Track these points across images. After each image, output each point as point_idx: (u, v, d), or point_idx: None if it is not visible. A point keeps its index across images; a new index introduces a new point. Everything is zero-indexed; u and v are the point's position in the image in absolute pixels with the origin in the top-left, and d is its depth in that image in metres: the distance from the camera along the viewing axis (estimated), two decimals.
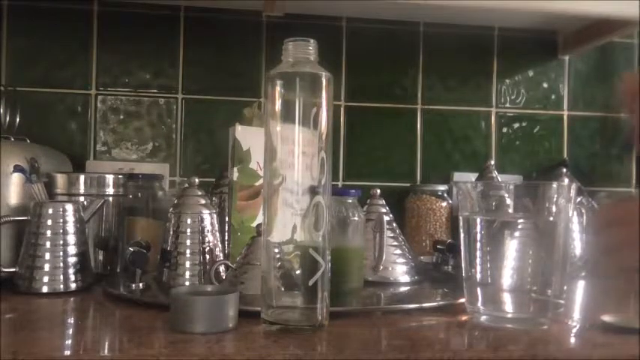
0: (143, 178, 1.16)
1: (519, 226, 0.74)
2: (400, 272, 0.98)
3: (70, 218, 0.90)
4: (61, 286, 0.87)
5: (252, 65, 1.34)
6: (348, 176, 1.38)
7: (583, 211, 1.11)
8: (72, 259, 0.88)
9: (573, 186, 0.75)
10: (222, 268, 0.89)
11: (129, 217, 1.09)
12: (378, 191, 1.04)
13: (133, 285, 0.87)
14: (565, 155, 1.46)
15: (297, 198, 0.67)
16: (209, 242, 0.90)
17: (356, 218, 0.91)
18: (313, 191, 0.67)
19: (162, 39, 1.32)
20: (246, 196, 0.98)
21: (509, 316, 0.73)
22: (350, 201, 0.92)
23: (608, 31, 1.31)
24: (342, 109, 1.38)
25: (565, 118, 1.46)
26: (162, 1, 1.29)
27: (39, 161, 0.99)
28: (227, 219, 1.01)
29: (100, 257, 1.03)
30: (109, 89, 1.30)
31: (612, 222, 0.59)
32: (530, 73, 1.46)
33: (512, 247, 0.74)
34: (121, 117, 1.31)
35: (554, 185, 0.77)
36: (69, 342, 0.66)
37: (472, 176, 1.28)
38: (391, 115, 1.40)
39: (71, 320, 0.77)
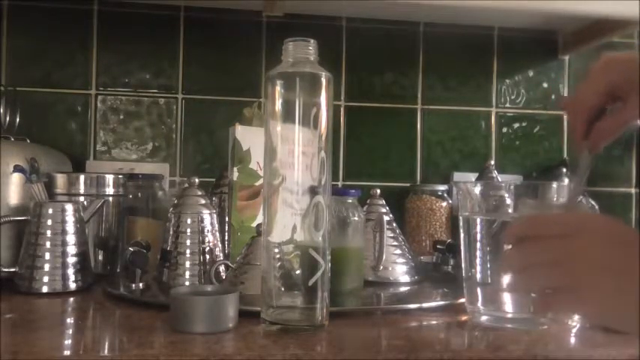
0: (143, 178, 1.16)
1: None
2: (400, 272, 0.98)
3: (70, 218, 0.90)
4: (61, 286, 0.87)
5: (252, 65, 1.34)
6: (348, 176, 1.38)
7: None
8: (72, 259, 0.88)
9: None
10: (222, 268, 0.89)
11: (129, 217, 1.09)
12: (378, 191, 1.04)
13: (133, 285, 0.87)
14: (565, 155, 1.45)
15: (297, 198, 0.67)
16: (209, 242, 0.90)
17: (356, 218, 0.91)
18: (313, 191, 0.67)
19: (162, 39, 1.31)
20: (246, 196, 0.98)
21: (509, 316, 0.74)
22: (350, 201, 0.92)
23: (608, 31, 1.30)
24: (342, 109, 1.38)
25: (565, 118, 1.46)
26: (163, 1, 1.29)
27: (39, 161, 0.99)
28: (227, 219, 1.01)
29: (100, 257, 1.03)
30: (109, 89, 1.30)
31: (524, 239, 0.54)
32: (530, 73, 1.46)
33: None
34: (121, 117, 1.30)
35: (554, 185, 0.77)
36: (69, 342, 0.66)
37: (472, 176, 1.28)
38: (391, 115, 1.40)
39: (71, 320, 0.77)
